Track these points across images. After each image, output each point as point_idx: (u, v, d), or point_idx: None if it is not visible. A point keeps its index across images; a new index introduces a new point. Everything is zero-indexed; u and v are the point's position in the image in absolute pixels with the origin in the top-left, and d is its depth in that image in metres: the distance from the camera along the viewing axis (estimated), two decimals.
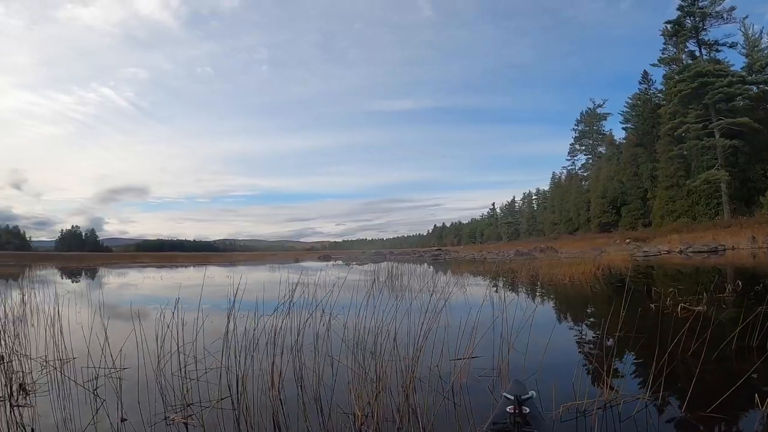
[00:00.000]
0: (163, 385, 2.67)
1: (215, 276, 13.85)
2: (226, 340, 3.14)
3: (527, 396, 1.68)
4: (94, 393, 2.59)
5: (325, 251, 74.75)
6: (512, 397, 1.66)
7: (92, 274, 18.55)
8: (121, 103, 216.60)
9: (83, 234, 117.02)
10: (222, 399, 2.43)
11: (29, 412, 2.33)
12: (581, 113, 58.47)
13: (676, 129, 33.66)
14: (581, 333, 4.47)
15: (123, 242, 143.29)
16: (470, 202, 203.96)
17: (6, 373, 2.64)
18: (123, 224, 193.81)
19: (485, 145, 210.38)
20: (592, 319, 5.30)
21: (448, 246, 77.69)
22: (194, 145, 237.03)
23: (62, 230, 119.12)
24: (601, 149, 54.65)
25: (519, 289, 8.57)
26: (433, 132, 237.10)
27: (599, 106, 56.91)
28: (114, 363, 2.77)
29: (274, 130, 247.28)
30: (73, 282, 13.54)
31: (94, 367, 2.84)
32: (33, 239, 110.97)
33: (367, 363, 2.73)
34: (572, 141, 59.84)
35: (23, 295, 5.78)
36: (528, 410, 1.64)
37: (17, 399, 2.51)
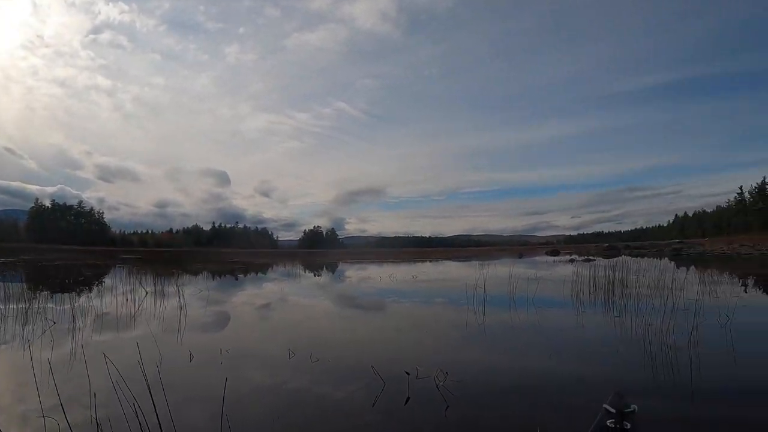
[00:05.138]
0: None
1: (418, 270, 16.10)
2: None
3: (629, 410, 1.63)
4: None
5: (556, 246, 75.98)
6: (613, 410, 1.63)
7: (332, 268, 20.11)
8: (356, 113, 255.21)
9: (324, 233, 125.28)
10: None
11: None
12: None
13: None
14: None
15: (362, 239, 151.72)
16: (714, 187, 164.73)
17: None
18: (362, 223, 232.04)
19: (735, 120, 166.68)
20: None
21: (691, 239, 69.39)
22: (429, 146, 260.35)
23: (305, 230, 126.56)
24: None
25: None
26: (674, 109, 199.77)
27: None
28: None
29: (506, 123, 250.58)
30: (315, 276, 15.08)
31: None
32: (280, 239, 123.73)
33: None
34: None
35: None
36: (629, 425, 1.57)
37: None
